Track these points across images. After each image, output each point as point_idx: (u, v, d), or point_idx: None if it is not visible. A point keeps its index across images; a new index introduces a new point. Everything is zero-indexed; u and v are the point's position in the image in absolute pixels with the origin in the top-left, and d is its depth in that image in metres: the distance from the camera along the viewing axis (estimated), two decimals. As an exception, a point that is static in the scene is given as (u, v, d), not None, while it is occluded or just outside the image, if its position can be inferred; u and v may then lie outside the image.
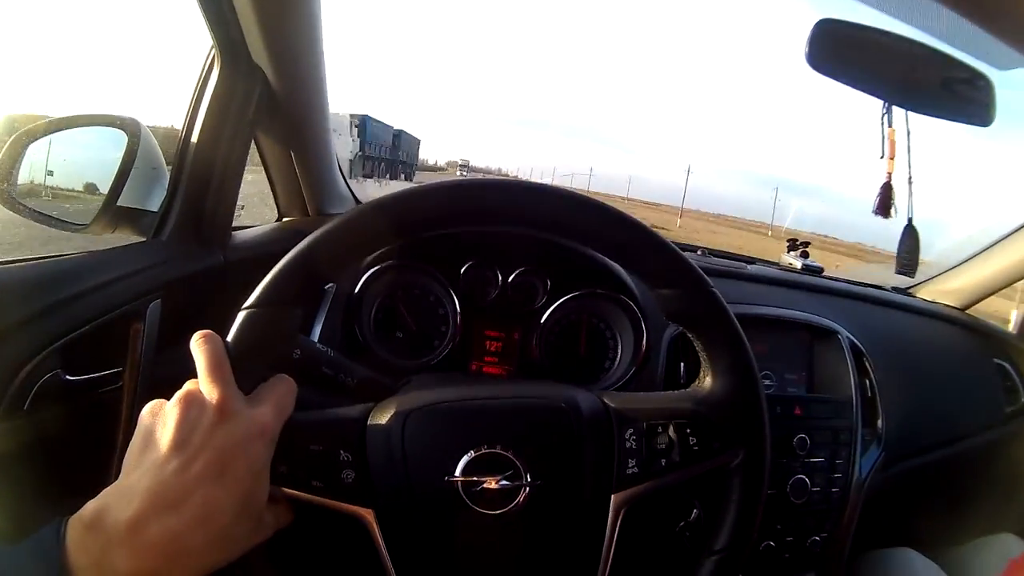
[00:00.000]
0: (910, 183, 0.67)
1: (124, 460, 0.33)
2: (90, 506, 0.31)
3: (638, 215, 0.45)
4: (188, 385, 0.36)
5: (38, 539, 0.30)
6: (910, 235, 0.69)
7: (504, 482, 0.38)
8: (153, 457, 0.32)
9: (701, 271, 0.43)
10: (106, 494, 0.32)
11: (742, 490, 0.43)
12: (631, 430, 0.41)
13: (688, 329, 0.44)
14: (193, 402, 0.34)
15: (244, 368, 0.37)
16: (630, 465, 0.40)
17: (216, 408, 0.34)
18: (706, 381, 0.44)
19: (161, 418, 0.34)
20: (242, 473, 0.34)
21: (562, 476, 0.39)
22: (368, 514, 0.37)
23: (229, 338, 0.38)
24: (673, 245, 0.43)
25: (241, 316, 0.38)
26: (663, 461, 0.41)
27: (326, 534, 0.45)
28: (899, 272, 0.74)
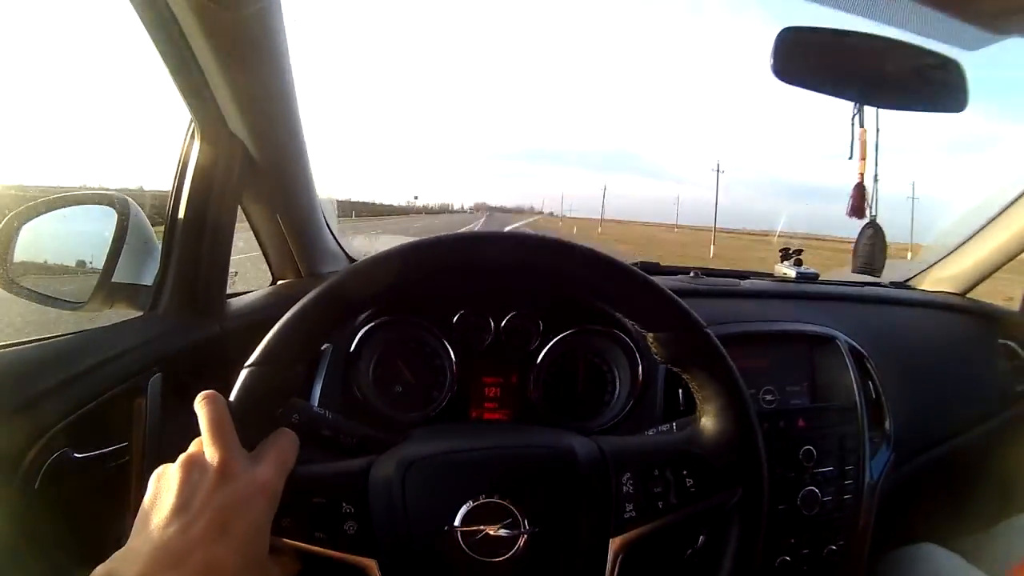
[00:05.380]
0: (876, 181, 0.67)
1: (134, 524, 0.35)
2: (99, 570, 0.32)
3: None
4: (192, 447, 0.37)
5: None
6: (873, 234, 0.69)
7: (503, 530, 0.39)
8: (157, 520, 0.34)
9: (693, 313, 0.43)
10: (114, 558, 0.33)
11: (741, 528, 0.43)
12: (628, 474, 0.41)
13: (682, 371, 0.44)
14: (195, 465, 0.36)
15: (247, 425, 0.38)
16: (627, 509, 0.41)
17: (217, 470, 0.35)
18: (702, 421, 0.44)
19: (165, 482, 0.36)
20: (243, 531, 0.35)
21: (560, 523, 0.40)
22: (371, 565, 0.38)
23: (232, 396, 0.39)
24: (663, 288, 0.43)
25: (243, 374, 0.39)
26: (660, 504, 0.41)
27: None
28: (859, 271, 0.73)
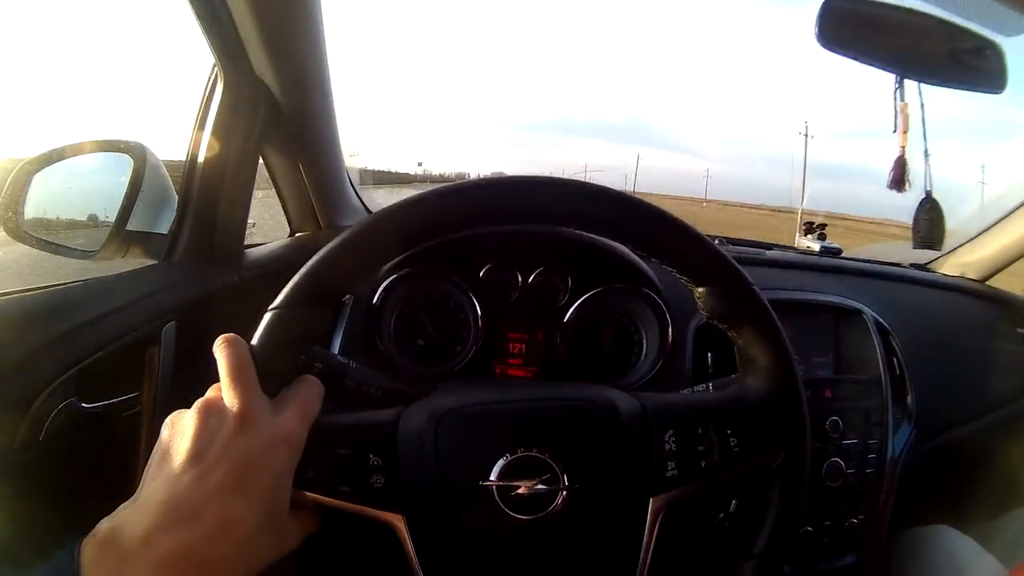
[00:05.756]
0: (927, 156, 0.67)
1: (144, 475, 0.33)
2: (104, 523, 0.30)
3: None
4: (210, 392, 0.35)
5: (55, 562, 0.30)
6: (930, 208, 0.68)
7: (541, 486, 0.37)
8: (169, 469, 0.31)
9: (742, 269, 0.42)
10: (120, 510, 0.31)
11: (782, 492, 0.42)
12: (670, 431, 0.40)
13: (729, 327, 0.43)
14: (213, 410, 0.33)
15: (269, 371, 0.36)
16: (669, 468, 0.39)
17: (237, 416, 0.33)
18: (746, 380, 0.43)
19: (180, 428, 0.33)
20: (264, 483, 0.32)
21: (600, 479, 0.38)
22: (398, 520, 0.36)
23: (253, 341, 0.37)
24: (713, 243, 0.42)
25: (267, 317, 0.37)
26: (703, 463, 0.40)
27: (355, 541, 0.44)
28: (919, 247, 0.73)
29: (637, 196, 0.43)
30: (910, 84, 0.68)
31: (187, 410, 0.34)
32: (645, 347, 0.69)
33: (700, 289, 0.42)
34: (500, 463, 0.37)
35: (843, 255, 0.94)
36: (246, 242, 0.70)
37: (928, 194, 0.68)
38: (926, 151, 0.67)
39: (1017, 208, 0.96)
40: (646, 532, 0.38)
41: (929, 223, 0.68)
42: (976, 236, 1.01)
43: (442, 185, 0.40)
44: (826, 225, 0.94)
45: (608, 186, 0.42)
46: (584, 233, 0.61)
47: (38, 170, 0.62)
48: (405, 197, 0.40)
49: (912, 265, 1.03)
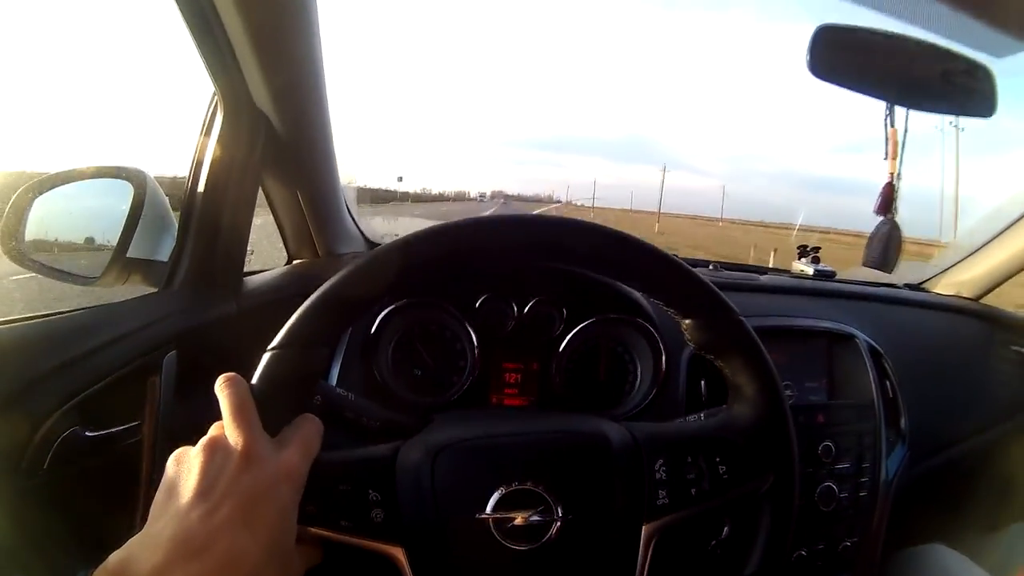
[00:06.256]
0: (898, 179, 0.67)
1: (151, 509, 0.33)
2: (115, 556, 0.31)
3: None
4: (213, 430, 0.36)
5: None
6: (889, 233, 0.69)
7: (535, 517, 0.38)
8: (178, 505, 0.32)
9: (726, 299, 0.43)
10: (131, 544, 0.31)
11: (772, 515, 0.43)
12: (661, 461, 0.41)
13: (716, 357, 0.44)
14: (218, 448, 0.34)
15: (270, 410, 0.37)
16: (660, 496, 0.40)
17: (241, 453, 0.34)
18: (734, 408, 0.44)
19: (186, 465, 0.34)
20: (269, 518, 0.33)
21: (593, 509, 0.39)
22: (398, 552, 0.37)
23: (254, 380, 0.38)
24: (700, 276, 0.43)
25: (266, 357, 0.38)
26: (693, 490, 0.41)
27: (357, 573, 0.45)
28: (868, 265, 0.73)
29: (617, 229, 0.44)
30: (900, 109, 0.69)
31: (192, 447, 0.35)
32: (639, 376, 0.70)
33: (687, 321, 0.44)
34: (495, 496, 0.38)
35: (837, 277, 0.95)
36: (245, 269, 0.70)
37: (889, 218, 0.68)
38: (899, 174, 0.68)
39: (1011, 225, 0.97)
40: (639, 559, 0.39)
41: (884, 244, 0.69)
42: (971, 254, 1.01)
43: (429, 227, 0.41)
44: (819, 248, 0.95)
45: (587, 221, 0.43)
46: None
47: (39, 195, 0.63)
48: (400, 236, 0.41)
49: (906, 285, 1.04)
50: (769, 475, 0.42)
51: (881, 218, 0.71)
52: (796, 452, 0.43)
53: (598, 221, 0.45)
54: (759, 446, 0.42)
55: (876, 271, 0.73)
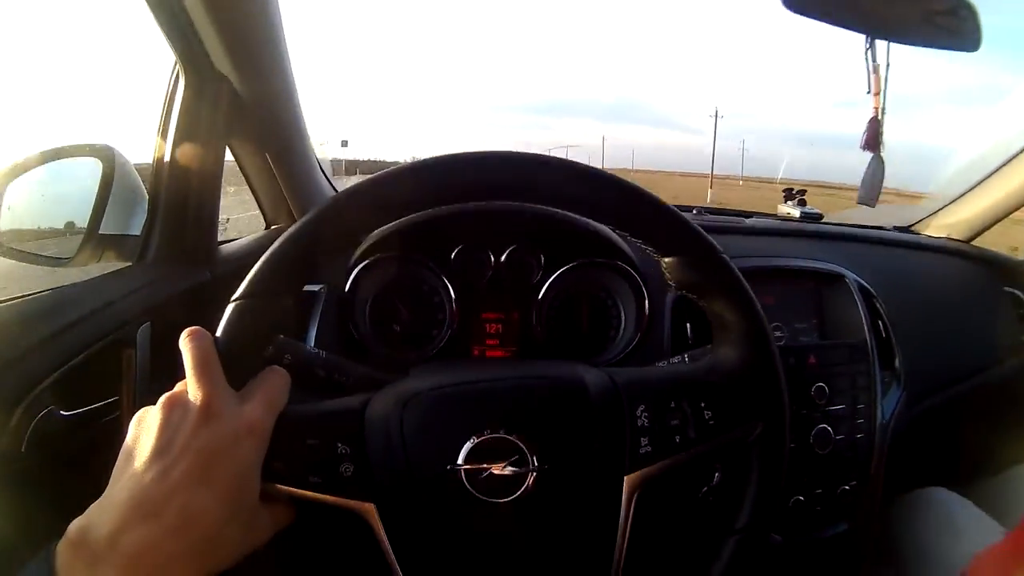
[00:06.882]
0: (883, 114, 0.66)
1: (112, 473, 0.32)
2: (74, 524, 0.30)
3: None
4: (177, 387, 0.35)
5: (32, 568, 0.29)
6: (876, 166, 0.68)
7: (509, 468, 0.36)
8: (134, 466, 0.31)
9: (710, 237, 0.41)
10: (90, 510, 0.31)
11: (761, 465, 0.41)
12: (642, 406, 0.39)
13: (699, 298, 0.42)
14: (176, 404, 0.33)
15: (234, 363, 0.35)
16: (643, 444, 0.38)
17: (200, 408, 0.32)
18: (719, 351, 0.42)
19: (145, 425, 0.33)
20: (229, 474, 0.32)
21: (571, 459, 0.37)
22: (369, 508, 0.35)
23: (218, 333, 0.36)
24: (678, 212, 0.41)
25: (230, 309, 0.37)
26: (677, 437, 0.38)
27: (328, 532, 0.44)
28: (860, 203, 0.72)
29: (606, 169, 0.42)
30: (881, 44, 0.67)
31: (154, 407, 0.34)
32: (623, 321, 0.69)
33: (667, 259, 0.42)
34: (467, 446, 0.36)
35: (824, 220, 0.94)
36: (221, 238, 0.69)
37: (877, 152, 0.67)
38: (883, 109, 0.66)
39: (1000, 167, 0.95)
40: (622, 511, 0.37)
41: (873, 180, 0.68)
42: (960, 196, 1.00)
43: (388, 170, 0.40)
44: (805, 191, 0.94)
45: (567, 158, 0.41)
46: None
47: (8, 181, 0.62)
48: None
49: (896, 228, 1.02)
50: (758, 422, 0.40)
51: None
52: (786, 397, 0.41)
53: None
54: (746, 390, 0.40)
55: (865, 215, 0.72)
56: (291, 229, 0.38)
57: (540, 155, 0.41)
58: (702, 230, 0.41)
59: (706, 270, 0.41)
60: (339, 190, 0.84)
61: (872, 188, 0.67)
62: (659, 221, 0.41)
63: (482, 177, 0.40)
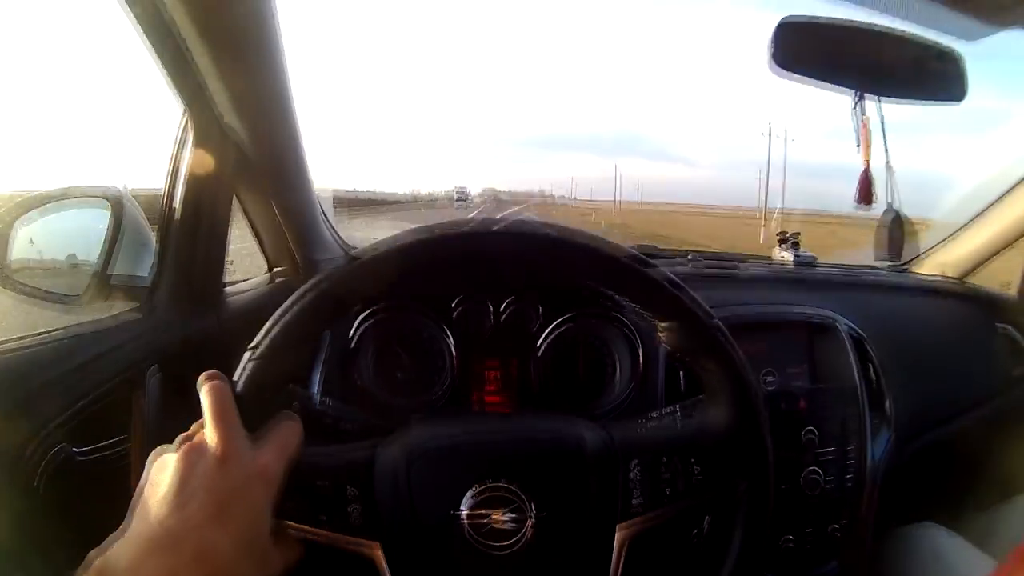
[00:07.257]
0: (889, 169, 0.67)
1: (131, 509, 0.35)
2: (94, 553, 0.32)
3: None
4: (194, 428, 0.37)
5: None
6: (894, 222, 0.68)
7: (509, 515, 0.38)
8: (152, 503, 0.34)
9: (703, 304, 0.43)
10: (108, 543, 0.33)
11: (746, 519, 0.43)
12: (635, 461, 0.41)
13: (690, 361, 0.45)
14: (194, 448, 0.35)
15: (250, 409, 0.38)
16: (635, 496, 0.41)
17: (217, 452, 0.35)
18: (709, 412, 0.44)
19: (162, 465, 0.35)
20: (241, 514, 0.34)
21: (567, 509, 0.40)
22: (375, 548, 0.38)
23: (235, 378, 0.39)
24: (671, 277, 0.43)
25: (246, 359, 0.39)
26: (667, 491, 0.41)
27: (335, 571, 0.46)
28: (879, 259, 0.73)
29: (587, 231, 0.43)
30: (870, 98, 0.69)
31: (171, 447, 0.36)
32: (619, 371, 0.70)
33: (662, 324, 0.44)
34: (469, 494, 0.39)
35: (819, 263, 0.95)
36: (225, 280, 0.71)
37: (890, 205, 0.68)
38: (888, 164, 0.67)
39: (994, 203, 0.96)
40: (613, 559, 0.40)
41: (887, 235, 0.68)
42: (954, 233, 1.01)
43: (398, 235, 0.41)
44: (799, 234, 0.95)
45: (570, 227, 0.43)
46: None
47: (18, 217, 0.63)
48: (376, 240, 0.41)
49: (890, 267, 1.03)
50: (744, 480, 0.43)
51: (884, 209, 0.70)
52: (771, 457, 0.43)
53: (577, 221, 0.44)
54: (732, 451, 0.43)
55: (858, 255, 0.72)
56: (302, 289, 0.40)
57: (547, 229, 0.42)
58: (695, 298, 0.43)
59: (697, 338, 0.43)
60: (340, 235, 0.87)
61: (892, 246, 0.68)
62: (655, 292, 0.43)
63: (485, 249, 0.43)
